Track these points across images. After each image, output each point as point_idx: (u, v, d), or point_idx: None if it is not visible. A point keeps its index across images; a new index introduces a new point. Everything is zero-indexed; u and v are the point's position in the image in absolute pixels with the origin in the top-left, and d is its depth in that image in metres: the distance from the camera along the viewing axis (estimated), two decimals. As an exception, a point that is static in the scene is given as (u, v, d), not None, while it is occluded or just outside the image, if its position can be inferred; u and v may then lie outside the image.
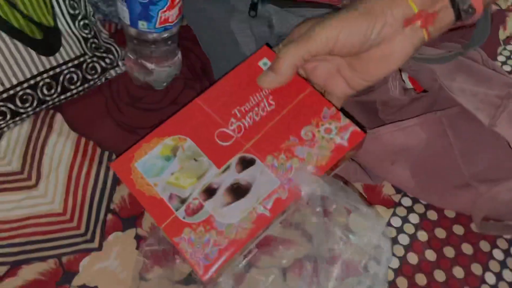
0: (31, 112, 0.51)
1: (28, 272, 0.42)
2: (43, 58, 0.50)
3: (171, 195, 0.35)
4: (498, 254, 0.46)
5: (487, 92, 0.47)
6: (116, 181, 0.48)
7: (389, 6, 0.36)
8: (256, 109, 0.38)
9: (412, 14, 0.36)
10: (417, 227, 0.47)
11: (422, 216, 0.48)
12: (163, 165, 0.36)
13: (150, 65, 0.55)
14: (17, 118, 0.50)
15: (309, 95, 0.38)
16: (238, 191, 0.35)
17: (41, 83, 0.50)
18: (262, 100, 0.38)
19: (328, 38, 0.36)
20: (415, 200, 0.49)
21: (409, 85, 0.52)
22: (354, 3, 0.37)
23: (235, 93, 0.38)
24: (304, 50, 0.36)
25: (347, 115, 0.39)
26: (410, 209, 0.48)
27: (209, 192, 0.35)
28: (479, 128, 0.46)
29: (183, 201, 0.35)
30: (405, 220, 0.47)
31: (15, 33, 0.48)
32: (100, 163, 0.49)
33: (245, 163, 0.36)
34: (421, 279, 0.44)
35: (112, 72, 0.56)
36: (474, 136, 0.47)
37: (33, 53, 0.49)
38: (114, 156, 0.50)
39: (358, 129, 0.37)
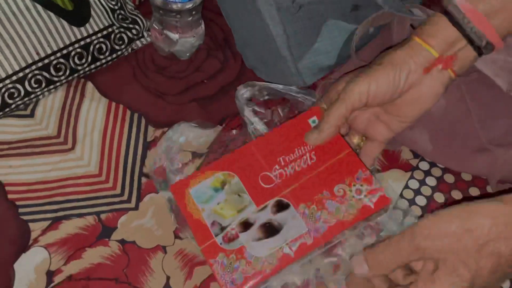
0: (64, 81, 0.53)
1: (69, 226, 0.45)
2: (75, 28, 0.52)
3: (213, 222, 0.41)
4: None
5: (506, 58, 0.48)
6: (147, 145, 0.51)
7: (410, 55, 0.39)
8: (298, 160, 0.43)
9: (433, 58, 0.38)
10: (434, 189, 0.49)
11: (439, 179, 0.50)
12: (212, 195, 0.42)
13: (174, 35, 0.56)
14: (52, 86, 0.53)
15: (348, 155, 0.43)
16: (270, 230, 0.40)
17: (73, 53, 0.53)
18: (305, 153, 0.43)
19: (361, 93, 0.39)
20: (432, 164, 0.51)
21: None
22: (377, 58, 0.41)
23: (283, 143, 0.44)
24: (342, 109, 0.40)
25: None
26: (427, 172, 0.50)
27: (246, 225, 0.40)
28: (497, 94, 0.47)
29: (222, 228, 0.40)
30: (422, 182, 0.49)
31: (48, 4, 0.50)
32: (131, 125, 0.52)
33: (280, 206, 0.41)
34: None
35: (138, 43, 0.58)
36: (492, 102, 0.48)
37: (65, 23, 0.52)
38: (143, 120, 0.53)
39: (386, 195, 0.41)
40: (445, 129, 0.49)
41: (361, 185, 0.41)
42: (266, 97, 0.51)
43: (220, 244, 0.39)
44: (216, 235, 0.40)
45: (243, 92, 0.50)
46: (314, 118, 0.45)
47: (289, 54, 0.53)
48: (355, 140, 0.46)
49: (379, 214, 0.42)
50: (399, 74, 0.39)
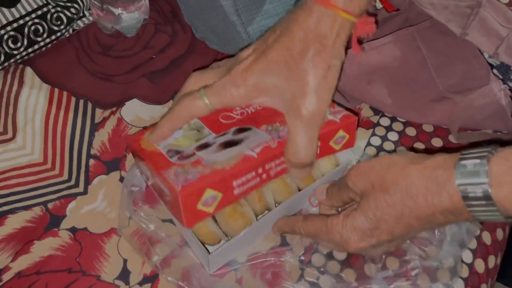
0: (-1, 67, 0.50)
1: (15, 221, 0.42)
2: (5, 10, 0.48)
3: (169, 149, 0.37)
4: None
5: (457, 3, 0.46)
6: (95, 127, 0.48)
7: None
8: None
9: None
10: (396, 143, 0.48)
11: (401, 133, 0.48)
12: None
13: (116, 10, 0.53)
14: (-14, 74, 0.49)
15: None
16: (230, 144, 0.36)
17: (5, 36, 0.49)
18: None
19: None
20: (393, 119, 0.49)
21: (379, 5, 0.51)
22: None
23: None
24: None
25: None
26: (388, 128, 0.49)
27: (204, 146, 0.36)
28: (451, 40, 0.46)
29: (178, 152, 0.36)
30: (384, 138, 0.48)
31: (-29, -15, 0.46)
32: (76, 111, 0.49)
33: (242, 130, 0.37)
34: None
35: (80, 23, 0.55)
36: (447, 49, 0.47)
37: (-7, 5, 0.48)
38: (89, 104, 0.49)
39: (350, 113, 0.40)
40: (402, 81, 0.47)
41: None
42: None
43: (175, 161, 0.35)
44: (171, 157, 0.36)
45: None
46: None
47: (237, 19, 0.50)
48: None
49: (349, 141, 0.40)
50: None
